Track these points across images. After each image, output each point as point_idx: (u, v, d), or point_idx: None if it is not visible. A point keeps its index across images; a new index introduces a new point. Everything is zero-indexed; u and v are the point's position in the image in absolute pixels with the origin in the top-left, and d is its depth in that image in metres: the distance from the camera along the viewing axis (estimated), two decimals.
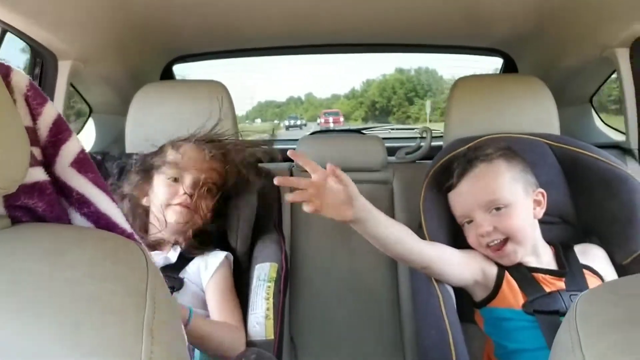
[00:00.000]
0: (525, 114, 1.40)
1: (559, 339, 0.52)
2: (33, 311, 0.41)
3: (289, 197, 0.96)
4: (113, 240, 0.50)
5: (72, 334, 0.40)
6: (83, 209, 0.57)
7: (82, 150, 0.58)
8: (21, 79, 0.55)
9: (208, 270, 1.17)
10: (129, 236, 0.57)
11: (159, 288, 0.46)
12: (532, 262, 1.16)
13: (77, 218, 0.57)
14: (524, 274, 1.13)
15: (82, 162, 0.58)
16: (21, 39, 1.29)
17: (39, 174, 0.53)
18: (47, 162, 0.56)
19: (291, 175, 1.70)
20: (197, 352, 1.05)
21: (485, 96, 1.43)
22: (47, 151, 0.56)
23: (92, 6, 1.30)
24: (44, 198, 0.53)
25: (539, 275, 1.13)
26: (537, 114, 1.41)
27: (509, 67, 1.93)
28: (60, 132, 0.57)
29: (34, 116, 0.55)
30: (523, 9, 1.47)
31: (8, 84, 0.53)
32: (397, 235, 1.04)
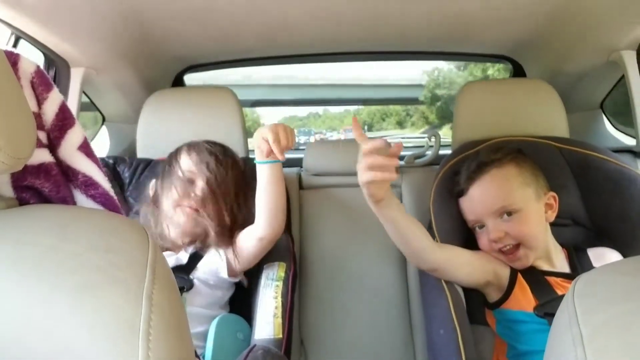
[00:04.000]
0: (534, 118, 1.40)
1: (557, 318, 0.52)
2: (37, 278, 0.43)
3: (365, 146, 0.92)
4: (116, 219, 0.51)
5: (74, 298, 0.42)
6: (90, 190, 0.58)
7: (86, 137, 0.60)
8: (28, 65, 0.57)
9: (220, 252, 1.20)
10: None
11: (159, 262, 0.47)
12: (544, 265, 1.15)
13: (84, 200, 0.58)
14: (537, 277, 1.12)
15: (88, 147, 0.59)
16: (34, 45, 1.31)
17: (44, 156, 0.55)
18: (52, 145, 0.57)
19: (299, 179, 1.71)
20: (208, 351, 1.05)
21: (493, 100, 1.43)
22: (53, 134, 0.57)
23: (105, 15, 1.32)
24: (50, 179, 0.54)
25: (552, 279, 1.12)
26: (545, 117, 1.41)
27: (518, 73, 1.93)
28: (66, 117, 0.58)
29: (40, 101, 0.57)
30: (529, 15, 1.47)
31: (16, 71, 0.55)
32: (414, 228, 1.04)
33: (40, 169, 0.54)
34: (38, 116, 0.57)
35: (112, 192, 0.59)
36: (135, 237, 0.48)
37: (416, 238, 1.04)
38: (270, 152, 1.09)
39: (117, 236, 0.48)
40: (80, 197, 0.59)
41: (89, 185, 0.58)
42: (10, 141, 0.45)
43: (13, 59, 0.55)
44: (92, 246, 0.46)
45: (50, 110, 0.58)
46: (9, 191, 0.53)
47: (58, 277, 0.43)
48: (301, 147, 2.15)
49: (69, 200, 0.57)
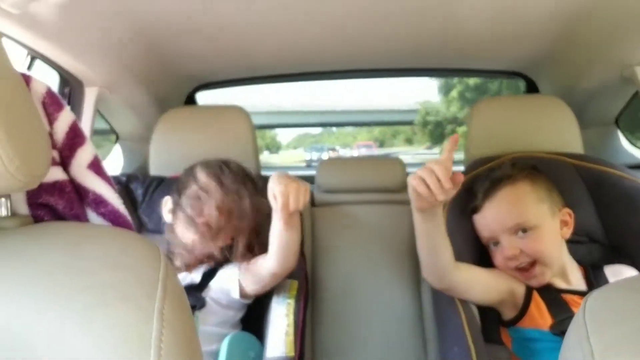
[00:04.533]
0: (547, 134, 1.39)
1: (568, 335, 0.51)
2: (50, 294, 0.43)
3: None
4: (128, 236, 0.52)
5: (85, 315, 0.42)
6: (100, 208, 0.59)
7: (97, 155, 0.61)
8: (39, 86, 0.58)
9: (232, 269, 1.19)
10: None
11: (171, 279, 0.47)
12: (560, 282, 1.13)
13: (94, 218, 0.59)
14: (553, 295, 1.11)
15: (98, 165, 0.60)
16: (49, 65, 1.34)
17: (58, 174, 0.56)
18: (63, 164, 0.59)
19: (312, 196, 1.70)
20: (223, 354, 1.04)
21: (506, 117, 1.43)
22: (64, 153, 0.59)
23: (118, 34, 1.35)
24: (63, 196, 0.55)
25: (568, 297, 1.10)
26: (558, 133, 1.39)
27: (531, 89, 1.92)
28: (76, 136, 0.60)
29: (51, 121, 0.58)
30: (541, 32, 1.48)
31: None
32: (445, 247, 1.03)
33: (55, 187, 0.55)
34: (49, 135, 0.58)
35: (122, 209, 0.60)
36: (146, 254, 0.48)
37: (442, 256, 1.03)
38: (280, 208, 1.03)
39: (129, 253, 0.48)
40: (91, 215, 0.60)
41: (99, 203, 0.59)
42: (26, 160, 0.46)
43: (25, 80, 0.56)
44: (104, 264, 0.46)
45: (61, 129, 0.59)
46: (24, 209, 0.54)
47: (70, 294, 0.43)
48: (313, 164, 2.16)
49: (82, 218, 0.58)
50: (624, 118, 1.80)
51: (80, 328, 0.41)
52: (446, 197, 0.90)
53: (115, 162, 1.88)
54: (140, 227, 1.36)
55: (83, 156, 0.60)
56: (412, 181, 0.91)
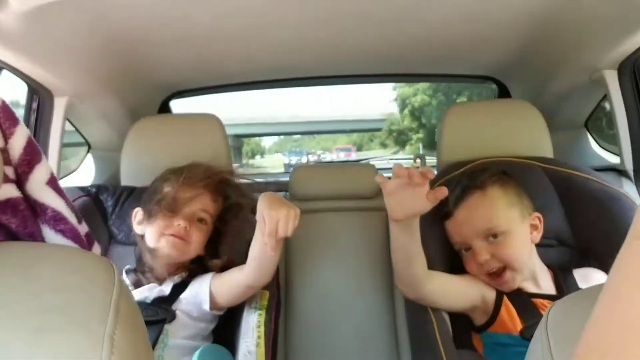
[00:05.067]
0: (518, 138, 1.41)
1: (531, 348, 0.51)
2: None
3: (378, 178, 0.95)
4: (82, 255, 0.50)
5: (32, 340, 0.41)
6: (59, 225, 0.58)
7: (54, 174, 0.60)
8: None
9: (203, 280, 1.17)
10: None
11: (124, 301, 0.46)
12: (530, 287, 1.15)
13: (52, 235, 0.58)
14: (523, 300, 1.12)
15: (56, 182, 0.59)
16: (17, 75, 1.31)
17: (11, 191, 0.54)
18: (20, 180, 0.57)
19: None
20: None
21: (477, 121, 1.44)
22: (21, 169, 0.57)
23: (87, 44, 1.32)
24: (17, 214, 0.54)
25: (538, 301, 1.11)
26: (529, 137, 1.41)
27: (503, 93, 1.95)
28: (34, 152, 0.58)
29: (6, 136, 0.57)
30: (512, 36, 1.49)
31: None
32: (419, 259, 1.05)
33: (8, 205, 0.53)
34: (5, 151, 0.57)
35: (79, 228, 0.59)
36: (99, 275, 0.47)
37: (416, 267, 1.05)
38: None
39: (81, 274, 0.47)
40: (49, 233, 0.58)
41: (58, 220, 0.58)
42: None
43: None
44: (54, 286, 0.45)
45: (17, 145, 0.57)
46: None
47: (18, 319, 0.42)
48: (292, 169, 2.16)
49: (36, 236, 0.57)
50: (592, 121, 1.83)
51: (26, 355, 0.40)
52: (423, 207, 0.94)
53: (87, 172, 1.85)
54: (110, 239, 1.34)
55: (41, 172, 0.59)
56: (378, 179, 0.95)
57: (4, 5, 1.01)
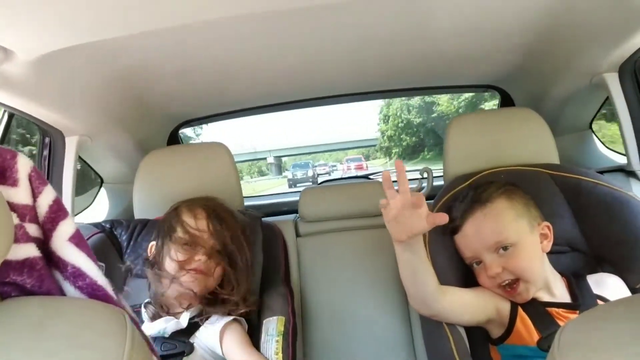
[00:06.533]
0: (523, 146, 1.41)
1: None
2: None
3: (383, 202, 0.98)
4: (94, 309, 0.52)
5: None
6: (78, 281, 0.60)
7: (78, 229, 0.63)
8: (26, 162, 0.60)
9: (217, 325, 1.16)
10: (116, 304, 0.59)
11: (137, 351, 0.47)
12: (545, 296, 1.14)
13: (72, 291, 0.60)
14: (538, 310, 1.11)
15: (79, 238, 0.61)
16: (27, 119, 1.35)
17: (30, 250, 0.57)
18: (45, 237, 0.60)
19: (296, 227, 1.71)
20: None
21: (481, 132, 1.44)
22: (46, 226, 0.60)
23: (94, 84, 1.35)
24: (33, 274, 0.56)
25: (553, 310, 1.11)
26: (534, 145, 1.41)
27: (506, 101, 1.95)
28: (59, 210, 0.61)
29: (35, 195, 0.60)
30: (512, 46, 1.50)
31: (14, 164, 0.59)
32: (427, 275, 1.05)
33: (25, 264, 0.55)
34: (32, 209, 0.60)
35: (102, 281, 0.61)
36: (112, 329, 0.49)
37: (426, 284, 1.05)
38: None
39: (94, 329, 0.48)
40: (69, 288, 0.60)
41: (77, 277, 0.60)
42: None
43: (12, 155, 0.58)
44: (67, 344, 0.46)
45: (44, 203, 0.61)
46: None
47: None
48: (298, 185, 2.16)
49: (53, 293, 0.59)
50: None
51: None
52: (422, 228, 0.95)
53: (101, 206, 1.88)
54: (127, 273, 1.36)
55: (65, 229, 0.62)
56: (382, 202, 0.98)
57: (11, 56, 1.05)
